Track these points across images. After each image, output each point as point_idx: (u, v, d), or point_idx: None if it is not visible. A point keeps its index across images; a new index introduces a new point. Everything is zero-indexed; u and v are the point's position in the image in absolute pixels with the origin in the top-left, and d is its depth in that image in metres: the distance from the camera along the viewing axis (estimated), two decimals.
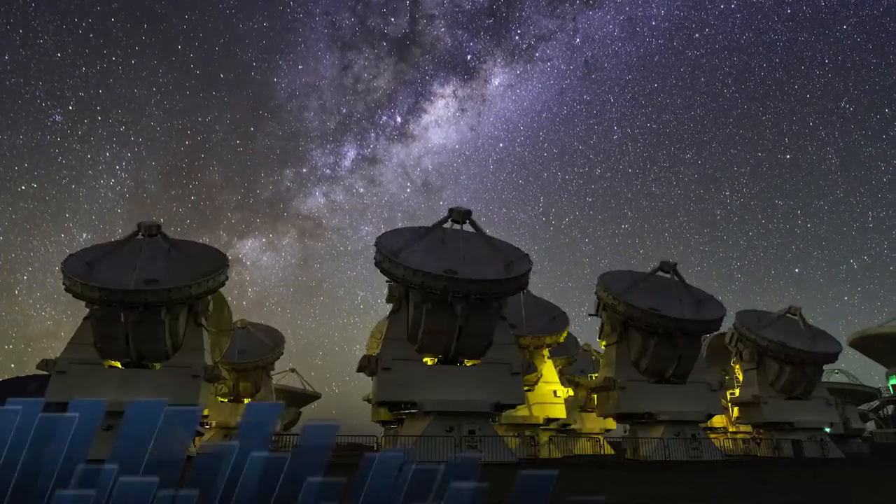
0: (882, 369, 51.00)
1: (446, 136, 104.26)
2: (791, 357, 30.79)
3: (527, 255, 24.02)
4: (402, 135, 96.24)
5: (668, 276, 28.22)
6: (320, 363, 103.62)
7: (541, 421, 32.51)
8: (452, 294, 20.81)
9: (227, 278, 24.28)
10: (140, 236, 23.68)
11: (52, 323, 72.16)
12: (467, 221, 23.10)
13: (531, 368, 23.53)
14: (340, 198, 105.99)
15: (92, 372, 21.81)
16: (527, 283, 23.41)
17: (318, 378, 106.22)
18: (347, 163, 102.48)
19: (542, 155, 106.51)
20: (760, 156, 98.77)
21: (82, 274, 21.98)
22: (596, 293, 28.41)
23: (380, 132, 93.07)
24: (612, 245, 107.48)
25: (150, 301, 21.17)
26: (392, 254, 21.58)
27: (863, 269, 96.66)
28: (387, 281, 23.08)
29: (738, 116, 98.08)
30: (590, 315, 29.33)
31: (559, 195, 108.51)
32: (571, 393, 38.42)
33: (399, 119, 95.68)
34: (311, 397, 53.66)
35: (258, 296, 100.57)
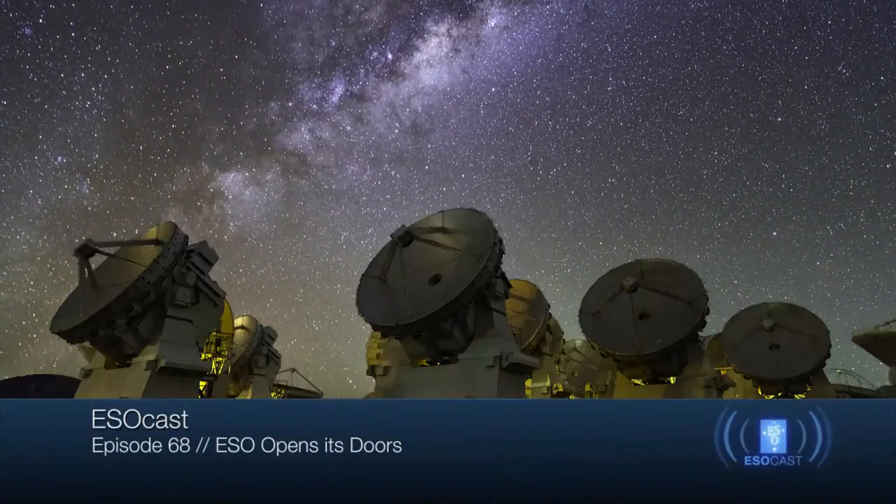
0: (884, 367, 50.84)
1: (438, 77, 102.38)
2: (763, 381, 32.46)
3: (494, 236, 21.52)
4: (393, 73, 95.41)
5: (631, 294, 27.29)
6: (301, 300, 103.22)
7: None
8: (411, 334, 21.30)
9: (174, 258, 23.01)
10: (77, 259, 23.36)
11: (27, 247, 70.50)
12: (412, 241, 22.55)
13: (511, 358, 21.66)
14: (326, 135, 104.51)
15: (99, 376, 23.15)
16: (499, 257, 22.02)
17: (297, 316, 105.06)
18: (335, 99, 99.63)
19: (535, 103, 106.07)
20: (752, 117, 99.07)
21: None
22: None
23: (369, 69, 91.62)
24: (596, 199, 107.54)
25: (93, 321, 21.53)
26: (365, 296, 22.37)
27: (837, 236, 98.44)
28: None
29: (734, 75, 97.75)
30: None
31: (548, 145, 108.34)
32: (561, 388, 38.02)
33: (390, 56, 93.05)
34: (311, 395, 53.62)
35: (239, 230, 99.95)
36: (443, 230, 23.66)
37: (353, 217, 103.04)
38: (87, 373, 23.23)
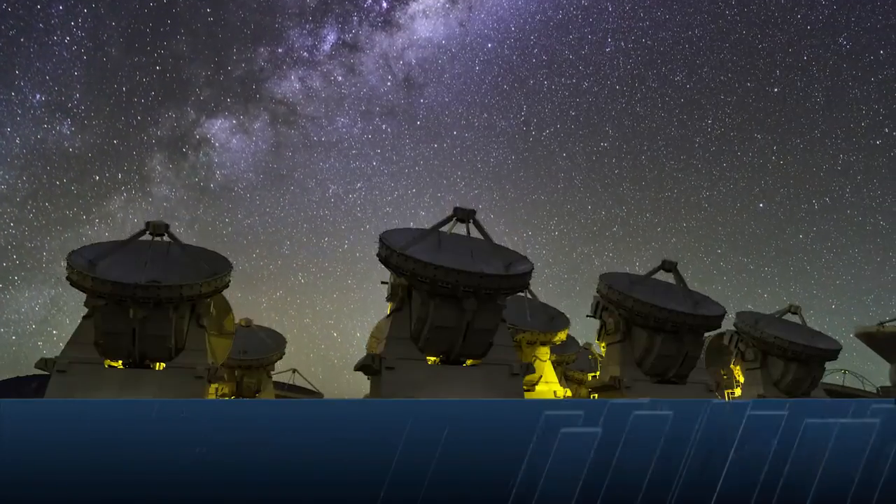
0: (885, 365, 50.80)
1: (433, 30, 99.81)
2: (798, 354, 30.87)
3: (525, 257, 24.05)
4: (387, 23, 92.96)
5: (669, 273, 28.20)
6: (287, 252, 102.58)
7: None
8: (463, 288, 20.65)
9: (230, 280, 24.49)
10: (147, 235, 23.74)
11: (6, 187, 68.01)
12: (471, 221, 22.82)
13: (530, 370, 23.41)
14: (317, 84, 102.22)
15: (93, 372, 21.84)
16: (528, 283, 23.26)
17: (283, 268, 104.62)
18: (326, 47, 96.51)
19: (531, 61, 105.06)
20: (749, 86, 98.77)
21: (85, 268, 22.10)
22: (598, 292, 28.41)
23: (363, 17, 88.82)
24: (588, 162, 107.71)
25: (163, 297, 21.35)
26: (400, 248, 21.42)
27: (822, 210, 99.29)
28: (383, 283, 23.13)
29: (734, 42, 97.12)
30: (587, 316, 29.46)
31: (543, 105, 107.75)
32: (570, 394, 38.26)
33: (385, 4, 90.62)
34: (312, 395, 53.70)
35: (226, 179, 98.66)
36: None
37: (343, 171, 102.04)
38: (74, 366, 21.54)
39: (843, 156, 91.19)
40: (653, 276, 28.72)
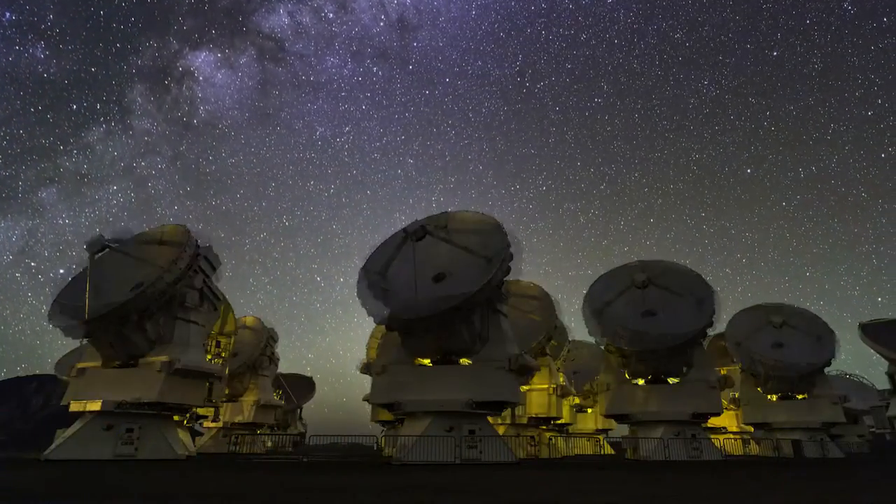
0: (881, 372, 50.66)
1: None
2: (772, 368, 32.36)
3: (505, 239, 22.31)
4: None
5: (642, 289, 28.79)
6: (272, 194, 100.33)
7: (525, 420, 33.00)
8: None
9: (190, 261, 23.50)
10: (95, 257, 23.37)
11: None
12: (424, 236, 22.37)
13: (519, 361, 22.51)
14: (307, 20, 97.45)
15: (96, 375, 22.87)
16: (507, 271, 22.24)
17: (268, 209, 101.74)
18: None
19: (530, 8, 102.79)
20: (748, 48, 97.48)
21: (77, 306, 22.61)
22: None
23: None
24: (580, 118, 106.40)
25: (106, 318, 21.80)
26: (367, 291, 22.08)
27: (808, 179, 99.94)
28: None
29: (738, 0, 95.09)
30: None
31: (539, 56, 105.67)
32: (577, 400, 38.32)
33: None
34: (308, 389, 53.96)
35: (210, 116, 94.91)
36: (446, 229, 23.69)
37: (331, 113, 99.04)
38: (81, 371, 22.98)
39: (834, 125, 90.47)
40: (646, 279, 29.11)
